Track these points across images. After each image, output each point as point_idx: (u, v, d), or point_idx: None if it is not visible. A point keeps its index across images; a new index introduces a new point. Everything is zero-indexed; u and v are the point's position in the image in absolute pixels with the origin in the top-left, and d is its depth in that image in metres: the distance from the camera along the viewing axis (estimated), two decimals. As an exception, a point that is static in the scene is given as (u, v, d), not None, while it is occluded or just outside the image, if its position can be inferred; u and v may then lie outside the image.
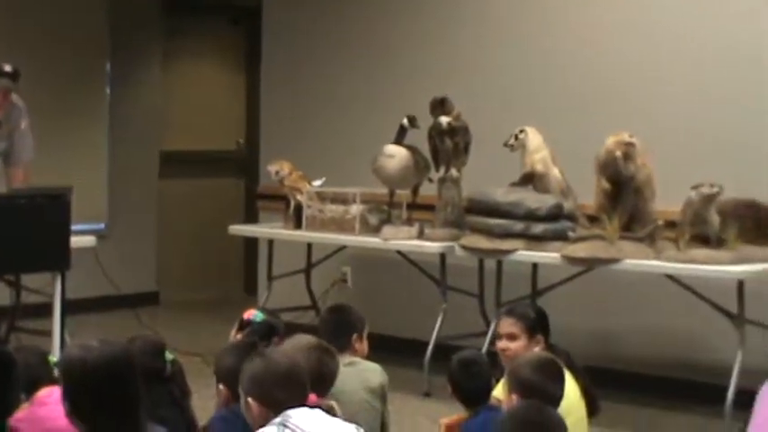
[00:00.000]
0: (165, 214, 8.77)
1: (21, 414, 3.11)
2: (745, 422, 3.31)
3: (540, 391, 3.33)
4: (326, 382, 3.68)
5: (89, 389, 2.59)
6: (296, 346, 3.65)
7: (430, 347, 6.04)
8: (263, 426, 2.92)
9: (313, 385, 3.48)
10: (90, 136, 8.12)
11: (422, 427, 5.23)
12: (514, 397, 3.35)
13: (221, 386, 3.47)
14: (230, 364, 3.47)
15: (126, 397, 2.62)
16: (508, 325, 4.20)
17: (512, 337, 4.16)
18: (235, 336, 4.11)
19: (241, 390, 3.03)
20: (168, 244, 8.79)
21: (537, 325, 4.16)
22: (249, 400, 2.98)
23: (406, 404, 5.62)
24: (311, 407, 3.04)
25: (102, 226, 7.96)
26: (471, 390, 3.92)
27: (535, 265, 6.03)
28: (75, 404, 2.60)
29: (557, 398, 3.43)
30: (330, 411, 3.12)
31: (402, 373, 5.53)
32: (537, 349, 4.07)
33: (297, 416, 2.89)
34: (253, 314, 4.25)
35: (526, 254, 5.75)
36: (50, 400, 3.33)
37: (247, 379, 3.01)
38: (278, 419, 2.89)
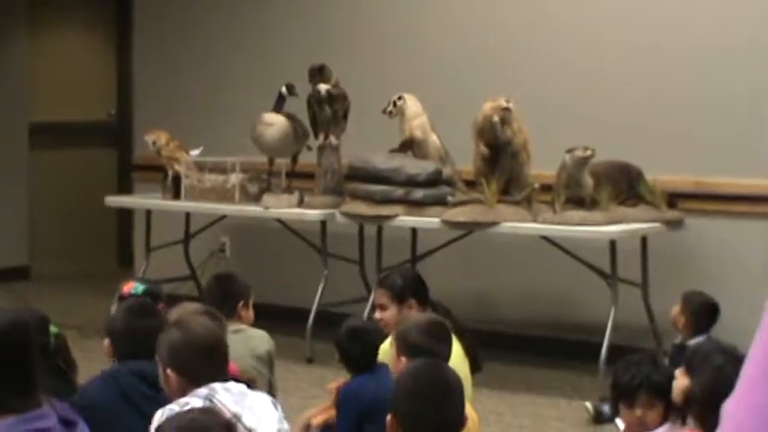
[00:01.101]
0: (36, 186, 8.56)
1: None
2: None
3: (427, 352, 3.38)
4: (219, 347, 3.68)
5: None
6: (183, 313, 3.64)
7: (312, 315, 6.07)
8: (181, 395, 2.90)
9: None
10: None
11: (306, 392, 5.27)
12: (403, 359, 3.40)
13: (106, 341, 3.46)
14: (120, 321, 3.49)
15: (24, 365, 2.57)
16: (379, 296, 4.30)
17: (383, 308, 4.24)
18: None
19: (159, 361, 2.99)
20: (40, 217, 8.59)
21: (406, 290, 4.23)
22: (168, 371, 2.95)
23: (289, 371, 5.64)
24: (233, 379, 3.04)
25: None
26: (357, 356, 3.98)
27: (415, 231, 6.11)
28: None
29: (444, 358, 3.50)
30: (251, 384, 3.12)
31: (285, 340, 5.52)
32: (411, 312, 4.15)
33: (222, 393, 2.87)
34: (132, 287, 4.21)
35: (406, 219, 5.82)
36: None
37: (165, 350, 2.97)
38: (204, 391, 2.87)
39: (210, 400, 2.85)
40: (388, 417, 2.65)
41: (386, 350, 3.87)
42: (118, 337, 3.44)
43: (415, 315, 3.94)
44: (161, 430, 2.16)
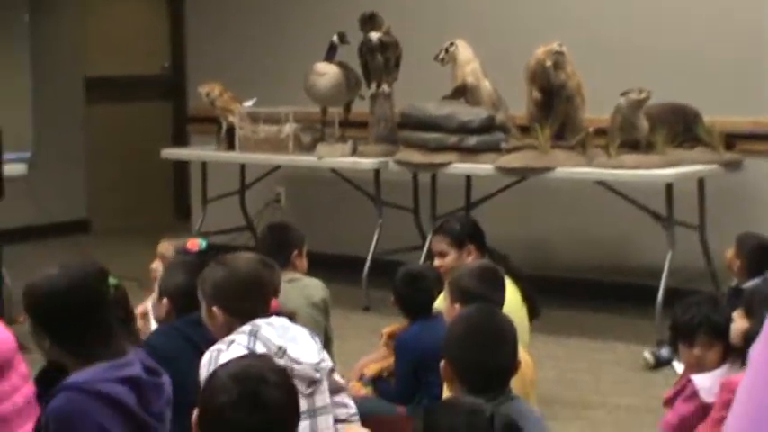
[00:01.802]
0: (92, 141, 8.66)
1: None
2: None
3: (481, 298, 3.38)
4: (268, 294, 3.73)
5: (67, 316, 2.58)
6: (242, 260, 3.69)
7: (367, 263, 6.11)
8: (227, 334, 2.95)
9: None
10: (11, 63, 7.94)
11: (363, 339, 5.31)
12: (457, 306, 3.42)
13: (165, 300, 3.48)
14: (179, 279, 3.50)
15: (103, 315, 2.62)
16: (436, 243, 4.31)
17: (442, 254, 4.27)
18: None
19: (203, 299, 3.03)
20: (97, 171, 8.70)
21: (464, 236, 4.25)
22: (214, 308, 2.99)
23: (346, 319, 5.69)
24: (275, 313, 3.08)
25: (27, 155, 7.83)
26: (414, 301, 4.01)
27: (469, 178, 6.10)
28: (55, 335, 2.59)
29: (498, 304, 3.51)
30: (292, 319, 3.16)
31: (341, 289, 5.58)
32: (470, 258, 4.16)
33: (266, 327, 2.92)
34: (197, 245, 4.26)
35: (460, 166, 5.80)
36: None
37: (211, 288, 3.02)
38: (247, 328, 2.92)
39: (255, 336, 2.89)
40: (442, 363, 2.67)
41: (442, 301, 3.89)
42: (178, 296, 3.47)
43: (469, 262, 3.95)
44: (216, 377, 2.19)
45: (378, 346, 4.44)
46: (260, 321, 2.95)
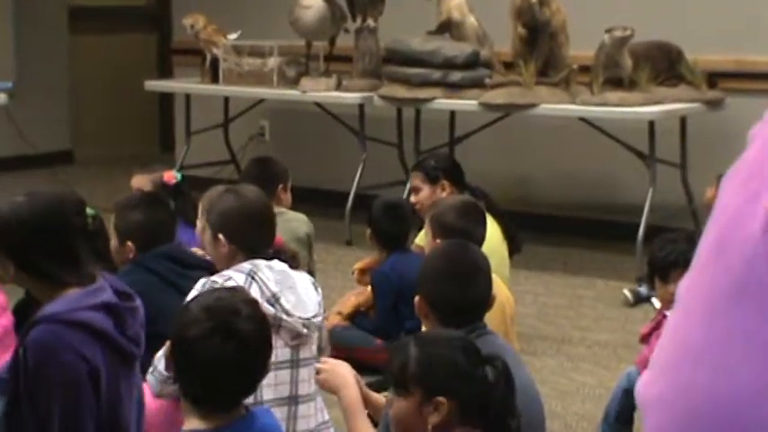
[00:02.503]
0: (77, 71, 8.60)
1: None
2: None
3: (462, 233, 3.42)
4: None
5: (31, 242, 2.58)
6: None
7: (351, 197, 6.12)
8: (227, 266, 2.94)
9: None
10: (-7, -8, 7.87)
11: (346, 275, 5.34)
12: (438, 241, 3.44)
13: (129, 243, 3.39)
14: (137, 217, 3.45)
15: (70, 242, 2.62)
16: (413, 178, 4.37)
17: (416, 190, 4.30)
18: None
19: (208, 225, 3.00)
20: (82, 101, 8.65)
21: (438, 172, 4.26)
22: (220, 236, 2.96)
23: (329, 253, 5.72)
24: (277, 251, 3.07)
25: (9, 85, 7.78)
26: (390, 233, 4.03)
27: (453, 113, 6.10)
28: (22, 262, 2.59)
29: (479, 239, 3.54)
30: (294, 259, 3.16)
31: (324, 223, 5.60)
32: (444, 194, 4.19)
33: (265, 270, 2.89)
34: (173, 177, 4.26)
35: (444, 102, 5.81)
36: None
37: (220, 215, 2.98)
38: (247, 267, 2.89)
39: (252, 277, 2.88)
40: (416, 298, 2.69)
41: (423, 237, 3.92)
42: (140, 235, 3.40)
43: (450, 197, 3.96)
44: (188, 309, 2.22)
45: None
46: (260, 262, 2.91)
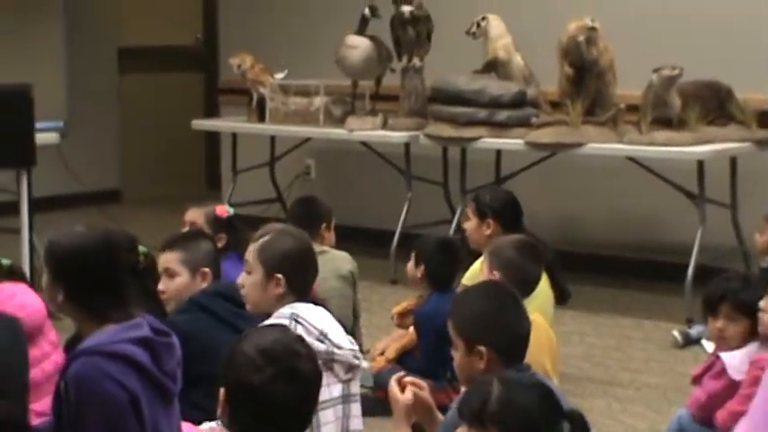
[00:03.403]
0: (125, 110, 8.70)
1: None
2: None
3: (520, 268, 3.45)
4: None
5: (86, 273, 2.60)
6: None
7: (396, 236, 6.11)
8: (275, 306, 2.97)
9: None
10: (46, 32, 7.98)
11: (390, 312, 5.32)
12: (497, 274, 3.44)
13: (205, 269, 3.46)
14: (210, 248, 3.51)
15: (119, 279, 2.65)
16: (467, 205, 4.38)
17: (467, 218, 4.33)
18: (214, 236, 4.14)
19: (267, 265, 3.02)
20: (129, 140, 8.74)
21: (488, 209, 4.26)
22: (279, 276, 2.99)
23: (374, 292, 5.71)
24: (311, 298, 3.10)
25: (60, 124, 7.87)
26: (443, 272, 4.00)
27: (499, 152, 6.09)
28: (71, 291, 2.62)
29: (537, 278, 3.55)
30: (325, 305, 3.18)
31: (369, 262, 5.60)
32: (488, 232, 4.18)
33: (305, 311, 2.94)
34: (226, 210, 4.29)
35: (490, 141, 5.79)
36: (1, 296, 3.36)
37: (281, 255, 3.01)
38: (287, 311, 2.93)
39: (296, 320, 2.90)
40: (482, 349, 2.54)
41: (476, 271, 3.89)
42: (213, 265, 3.47)
43: (510, 236, 3.91)
44: (243, 354, 2.16)
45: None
46: (299, 305, 2.96)
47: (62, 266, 2.63)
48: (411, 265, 4.14)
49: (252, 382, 2.13)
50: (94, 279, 2.61)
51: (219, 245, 4.11)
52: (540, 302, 3.73)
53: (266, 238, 3.10)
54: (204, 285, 3.44)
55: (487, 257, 3.53)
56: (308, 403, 2.20)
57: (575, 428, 2.09)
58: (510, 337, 2.58)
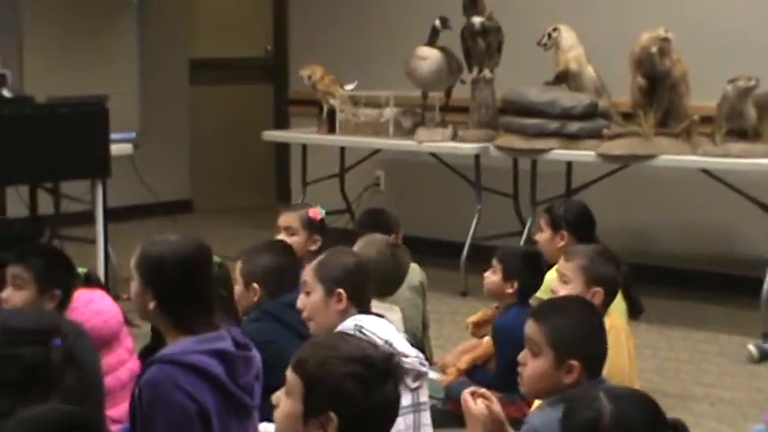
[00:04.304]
0: (196, 122, 8.80)
1: None
2: None
3: (614, 281, 3.48)
4: (402, 278, 3.78)
5: (179, 282, 2.62)
6: (373, 243, 3.74)
7: (466, 248, 6.09)
8: (338, 322, 2.99)
9: (393, 281, 3.59)
10: (119, 45, 8.10)
11: (461, 325, 5.30)
12: (600, 290, 3.46)
13: (255, 285, 3.49)
14: (267, 262, 3.52)
15: (208, 290, 2.67)
16: (539, 217, 4.37)
17: (540, 230, 4.31)
18: (308, 239, 4.17)
19: (327, 281, 3.05)
20: (200, 151, 8.84)
21: (561, 221, 4.24)
22: (340, 291, 3.03)
23: (444, 304, 5.70)
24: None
25: (133, 135, 7.98)
26: (536, 285, 3.96)
27: (570, 164, 6.05)
28: (163, 299, 2.64)
29: (618, 288, 3.56)
30: (385, 316, 3.19)
31: (439, 273, 5.59)
32: (562, 244, 4.15)
33: (368, 322, 2.96)
34: (318, 212, 4.30)
35: (561, 152, 5.76)
36: (77, 304, 3.42)
37: (343, 271, 3.06)
38: (351, 324, 2.95)
39: (360, 331, 2.92)
40: (574, 363, 2.51)
41: (549, 279, 3.86)
42: (268, 279, 3.48)
43: (589, 246, 3.88)
44: (326, 363, 2.09)
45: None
46: (361, 317, 2.99)
47: (155, 274, 2.64)
48: (498, 278, 4.04)
49: (372, 399, 2.06)
50: (187, 289, 2.63)
51: (314, 248, 4.14)
52: (613, 317, 3.70)
53: (322, 256, 3.13)
54: (255, 300, 3.45)
55: (582, 272, 3.49)
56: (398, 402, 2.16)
57: None
58: (602, 353, 2.58)
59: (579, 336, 2.55)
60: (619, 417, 2.01)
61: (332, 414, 2.03)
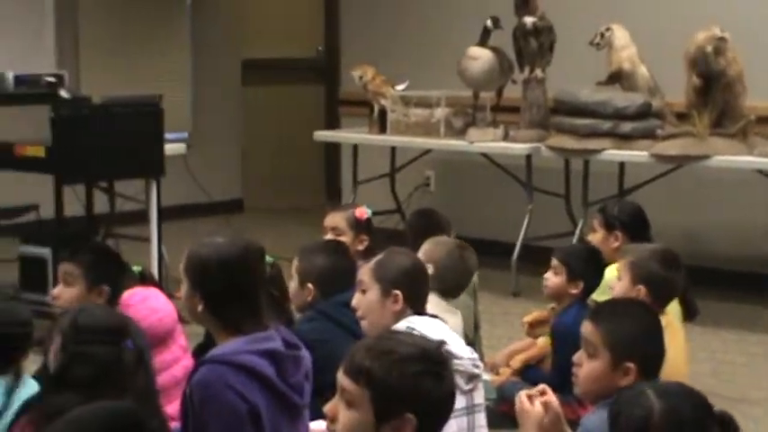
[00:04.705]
0: (247, 121, 8.85)
1: None
2: None
3: (666, 281, 3.45)
4: (470, 278, 3.78)
5: (226, 284, 2.64)
6: (442, 245, 3.74)
7: (517, 248, 6.07)
8: (393, 323, 2.99)
9: (461, 283, 3.58)
10: (173, 45, 8.18)
11: (512, 326, 5.29)
12: (641, 288, 3.41)
13: (309, 285, 3.50)
14: (321, 262, 3.52)
15: (256, 290, 2.68)
16: (592, 218, 4.33)
17: (593, 230, 4.27)
18: (355, 238, 4.18)
19: (384, 282, 3.06)
20: (251, 151, 8.88)
21: (616, 221, 4.21)
22: (397, 292, 3.03)
23: (495, 304, 5.68)
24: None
25: (185, 135, 8.05)
26: (594, 281, 3.93)
27: (622, 164, 6.01)
28: (210, 301, 2.65)
29: (679, 287, 3.55)
30: (441, 318, 3.18)
31: (489, 274, 5.57)
32: (616, 245, 4.12)
33: (421, 324, 2.96)
34: (365, 212, 4.31)
35: (614, 153, 5.72)
36: (133, 301, 3.45)
37: (399, 272, 3.05)
38: (403, 325, 2.95)
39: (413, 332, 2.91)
40: (631, 365, 2.51)
41: (609, 281, 3.84)
42: (322, 279, 3.49)
43: (647, 244, 3.86)
44: (394, 368, 2.04)
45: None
46: (414, 318, 2.99)
47: (202, 277, 2.66)
48: (560, 280, 4.00)
49: (444, 389, 2.05)
50: (233, 290, 2.64)
51: (361, 247, 4.15)
52: (669, 317, 3.67)
53: (380, 256, 3.13)
54: (309, 299, 3.46)
55: (629, 269, 3.47)
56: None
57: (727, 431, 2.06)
58: (658, 356, 2.56)
59: (636, 338, 2.54)
60: (669, 413, 2.00)
61: (409, 415, 2.01)
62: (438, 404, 2.05)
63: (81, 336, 2.39)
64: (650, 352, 2.55)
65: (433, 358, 2.07)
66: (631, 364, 2.50)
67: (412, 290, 3.05)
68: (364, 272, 3.12)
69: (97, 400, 2.02)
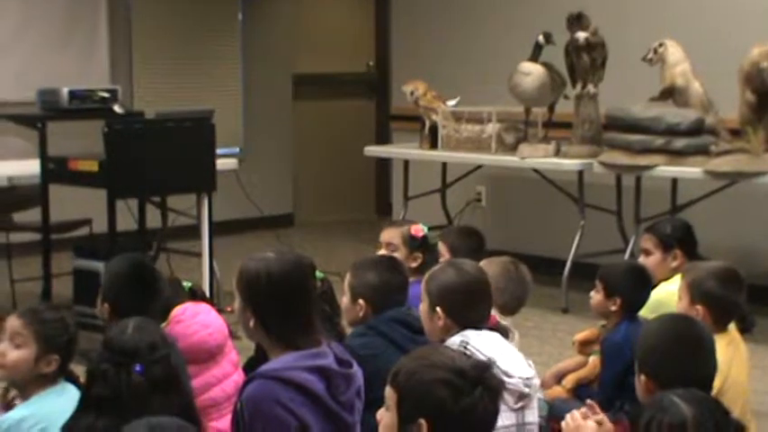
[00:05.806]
0: (298, 136, 8.90)
1: None
2: None
3: (724, 301, 3.38)
4: (528, 293, 3.76)
5: (277, 299, 2.65)
6: (497, 263, 3.73)
7: (568, 265, 6.04)
8: (442, 336, 2.97)
9: (518, 299, 3.56)
10: (224, 61, 8.25)
11: (562, 342, 5.26)
12: (699, 308, 3.37)
13: (361, 301, 3.50)
14: (372, 279, 3.50)
15: (308, 305, 2.68)
16: (644, 241, 4.28)
17: (647, 253, 4.19)
18: (409, 255, 4.17)
19: (428, 298, 3.06)
20: (301, 166, 8.93)
21: (673, 240, 4.15)
22: (438, 310, 3.02)
23: (545, 320, 5.66)
24: (491, 328, 3.08)
25: (237, 150, 8.12)
26: (639, 299, 3.90)
27: (675, 181, 5.96)
28: (262, 317, 2.66)
29: (740, 306, 3.48)
30: (507, 333, 3.16)
31: (541, 290, 5.52)
32: (675, 264, 4.07)
33: (475, 339, 2.93)
34: (421, 230, 4.30)
35: (667, 169, 5.68)
36: (184, 317, 3.46)
37: (440, 289, 3.03)
38: (457, 339, 2.93)
39: (465, 347, 2.89)
40: (641, 378, 2.58)
41: (659, 299, 3.80)
42: (373, 295, 3.46)
43: (708, 262, 3.81)
44: (416, 372, 2.12)
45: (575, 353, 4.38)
46: (470, 333, 2.95)
47: (253, 292, 2.66)
48: (600, 297, 3.99)
49: (462, 405, 2.08)
50: (285, 306, 2.64)
51: (414, 264, 4.15)
52: (733, 333, 3.62)
53: (434, 268, 3.11)
54: (360, 315, 3.45)
55: (688, 289, 3.43)
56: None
57: None
58: (682, 379, 2.51)
59: (655, 356, 2.60)
60: (699, 419, 2.06)
61: (422, 420, 2.05)
62: (452, 417, 2.06)
63: (101, 355, 2.42)
64: (671, 371, 2.55)
65: (462, 372, 2.09)
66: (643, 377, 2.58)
67: (453, 308, 3.01)
68: (423, 281, 3.13)
69: (117, 421, 2.05)
